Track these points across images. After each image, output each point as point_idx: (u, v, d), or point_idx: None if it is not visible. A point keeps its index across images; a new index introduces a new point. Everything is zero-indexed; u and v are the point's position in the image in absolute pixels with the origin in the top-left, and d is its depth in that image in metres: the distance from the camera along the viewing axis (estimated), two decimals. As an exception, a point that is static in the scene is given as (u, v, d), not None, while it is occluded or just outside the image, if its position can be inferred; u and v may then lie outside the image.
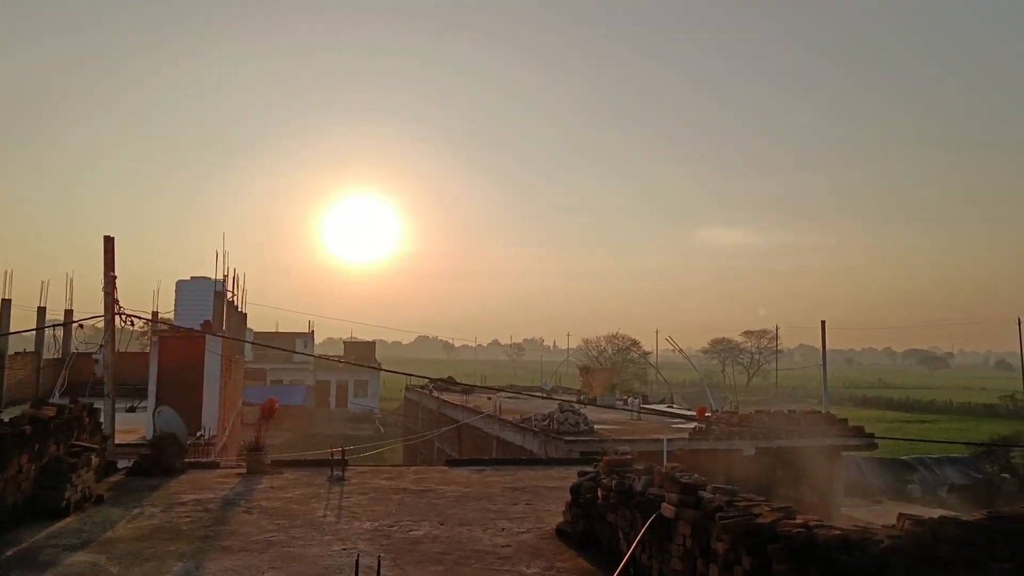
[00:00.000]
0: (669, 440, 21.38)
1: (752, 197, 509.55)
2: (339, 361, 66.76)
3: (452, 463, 17.99)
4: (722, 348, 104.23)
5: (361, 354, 79.72)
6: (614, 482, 10.08)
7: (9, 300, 31.07)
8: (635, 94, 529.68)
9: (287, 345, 67.82)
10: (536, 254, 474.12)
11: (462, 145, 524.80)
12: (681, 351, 44.90)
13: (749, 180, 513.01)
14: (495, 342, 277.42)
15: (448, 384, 44.11)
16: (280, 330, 76.05)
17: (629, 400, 34.64)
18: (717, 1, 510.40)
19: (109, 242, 16.74)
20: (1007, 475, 34.15)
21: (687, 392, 70.73)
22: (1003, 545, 6.59)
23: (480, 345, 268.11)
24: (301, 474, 15.12)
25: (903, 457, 33.77)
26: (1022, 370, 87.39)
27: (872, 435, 23.75)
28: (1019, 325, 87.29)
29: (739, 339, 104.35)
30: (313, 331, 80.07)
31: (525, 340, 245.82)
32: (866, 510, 26.21)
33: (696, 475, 9.57)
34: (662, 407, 35.81)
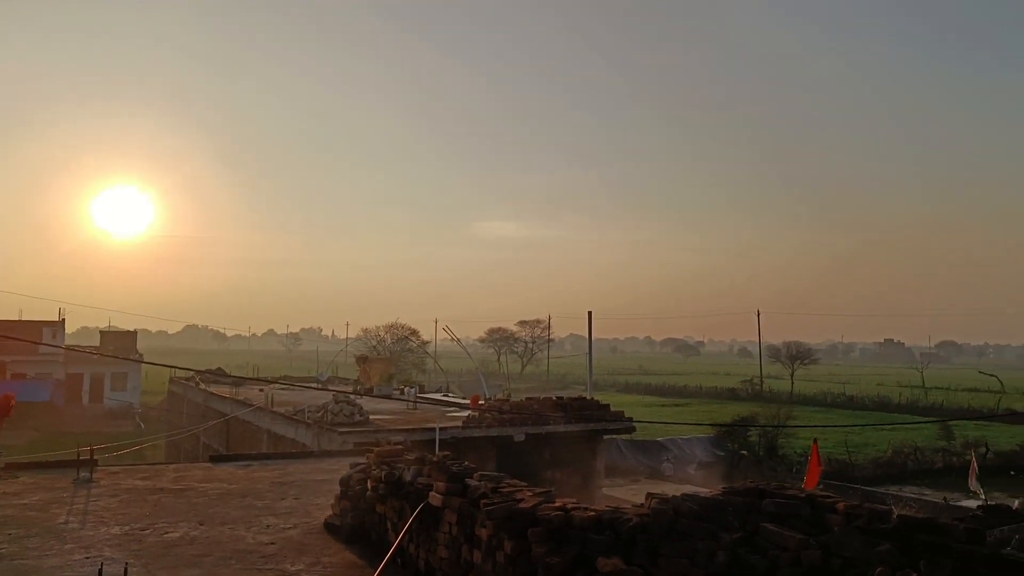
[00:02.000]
0: (443, 428, 21.66)
1: (527, 192, 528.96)
2: (93, 353, 61.56)
3: (216, 459, 17.17)
4: (498, 337, 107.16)
5: (121, 345, 73.99)
6: (384, 473, 10.05)
7: None
8: (420, 89, 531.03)
9: (32, 334, 61.55)
10: (314, 243, 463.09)
11: (234, 133, 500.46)
12: (458, 340, 45.65)
13: (524, 176, 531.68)
14: (271, 332, 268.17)
15: (217, 376, 41.98)
16: (24, 318, 68.88)
17: (406, 390, 34.72)
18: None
19: None
20: (745, 452, 37.91)
21: (464, 381, 72.12)
22: (733, 516, 7.30)
23: (255, 335, 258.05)
24: (42, 477, 13.77)
25: (658, 439, 36.52)
26: (760, 357, 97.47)
27: (631, 419, 25.43)
28: (758, 317, 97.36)
29: (514, 329, 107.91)
30: (64, 319, 73.20)
31: (303, 330, 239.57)
32: (625, 489, 28.04)
33: (467, 463, 9.77)
34: (438, 396, 36.23)
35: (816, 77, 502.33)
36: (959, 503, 26.76)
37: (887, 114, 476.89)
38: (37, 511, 10.96)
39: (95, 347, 71.52)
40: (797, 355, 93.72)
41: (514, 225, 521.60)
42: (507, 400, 25.82)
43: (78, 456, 14.26)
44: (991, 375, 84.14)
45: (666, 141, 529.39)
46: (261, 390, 36.79)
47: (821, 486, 19.72)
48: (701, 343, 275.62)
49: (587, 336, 37.81)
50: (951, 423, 44.30)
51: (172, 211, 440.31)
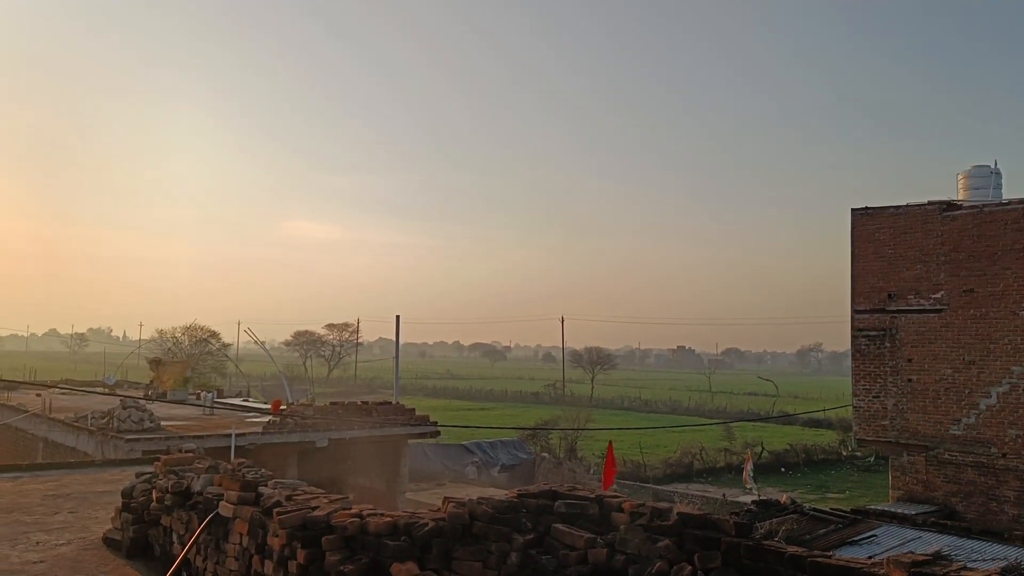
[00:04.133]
0: (240, 435, 20.85)
1: (337, 193, 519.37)
2: None
3: (-19, 471, 15.59)
4: (305, 340, 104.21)
5: None
6: (171, 482, 9.55)
7: None
8: (230, 78, 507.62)
9: None
10: (100, 236, 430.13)
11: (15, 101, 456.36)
12: (260, 343, 44.02)
13: (334, 176, 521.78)
14: (53, 331, 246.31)
15: (-15, 379, 37.95)
16: None
17: (202, 395, 33.07)
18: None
19: None
20: (546, 454, 39.15)
21: (267, 385, 69.66)
22: (526, 518, 7.54)
23: (33, 334, 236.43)
24: None
25: (464, 442, 36.93)
26: (563, 362, 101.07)
27: (436, 423, 25.60)
28: (562, 324, 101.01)
29: (322, 332, 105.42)
30: None
31: (90, 330, 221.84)
32: (430, 493, 28.13)
33: (264, 470, 9.47)
34: (238, 401, 34.80)
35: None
36: (737, 499, 29.02)
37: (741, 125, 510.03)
38: None
39: None
40: (597, 360, 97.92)
41: (323, 226, 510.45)
42: (311, 405, 25.22)
43: None
44: (768, 380, 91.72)
45: (484, 147, 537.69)
46: (38, 395, 33.76)
47: (616, 486, 20.76)
48: (508, 348, 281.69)
49: (396, 340, 37.64)
50: (733, 424, 47.91)
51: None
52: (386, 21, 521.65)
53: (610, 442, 19.11)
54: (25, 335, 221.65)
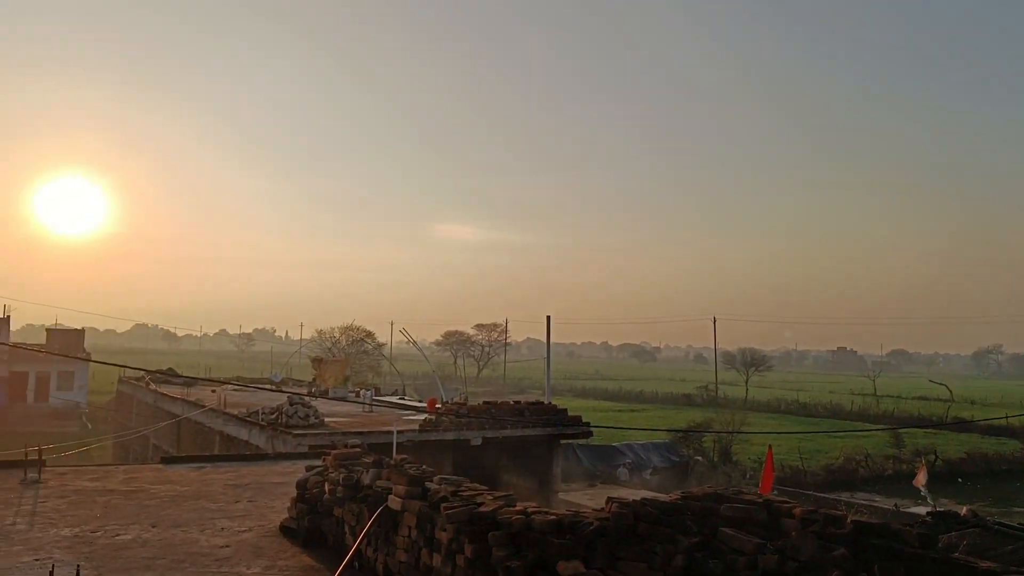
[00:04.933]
0: (399, 432, 21.54)
1: (486, 195, 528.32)
2: (38, 350, 59.97)
3: (168, 460, 16.86)
4: (454, 340, 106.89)
5: (67, 343, 72.20)
6: (342, 475, 9.98)
7: None
8: (375, 88, 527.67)
9: (-26, 332, 59.82)
10: (268, 242, 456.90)
11: (189, 122, 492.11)
12: (414, 343, 45.47)
13: (484, 179, 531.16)
14: (223, 332, 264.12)
15: (168, 376, 41.25)
16: (-36, 315, 66.85)
17: (361, 392, 34.47)
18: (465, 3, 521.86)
19: None
20: (700, 457, 38.29)
21: (420, 384, 71.83)
22: (691, 521, 7.38)
23: (206, 335, 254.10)
24: (-15, 478, 13.42)
25: (615, 444, 36.69)
26: (715, 363, 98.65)
27: (588, 423, 25.55)
28: (714, 324, 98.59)
29: (471, 332, 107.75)
30: (9, 316, 71.29)
31: (256, 330, 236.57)
32: (581, 494, 28.13)
33: (424, 466, 9.74)
34: (394, 399, 36.04)
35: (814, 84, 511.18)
36: (908, 509, 27.34)
37: (869, 122, 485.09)
38: (-18, 512, 10.67)
39: (40, 345, 69.77)
40: (751, 362, 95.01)
41: (473, 228, 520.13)
42: (464, 404, 25.74)
43: (25, 456, 13.92)
44: (940, 383, 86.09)
45: (633, 147, 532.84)
46: (213, 391, 36.22)
47: (775, 492, 20.02)
48: (657, 349, 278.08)
49: (544, 340, 37.91)
50: (901, 431, 45.18)
51: (123, 206, 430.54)
52: (526, 17, 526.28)
53: (769, 446, 18.49)
54: (199, 335, 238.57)
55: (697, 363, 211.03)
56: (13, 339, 71.16)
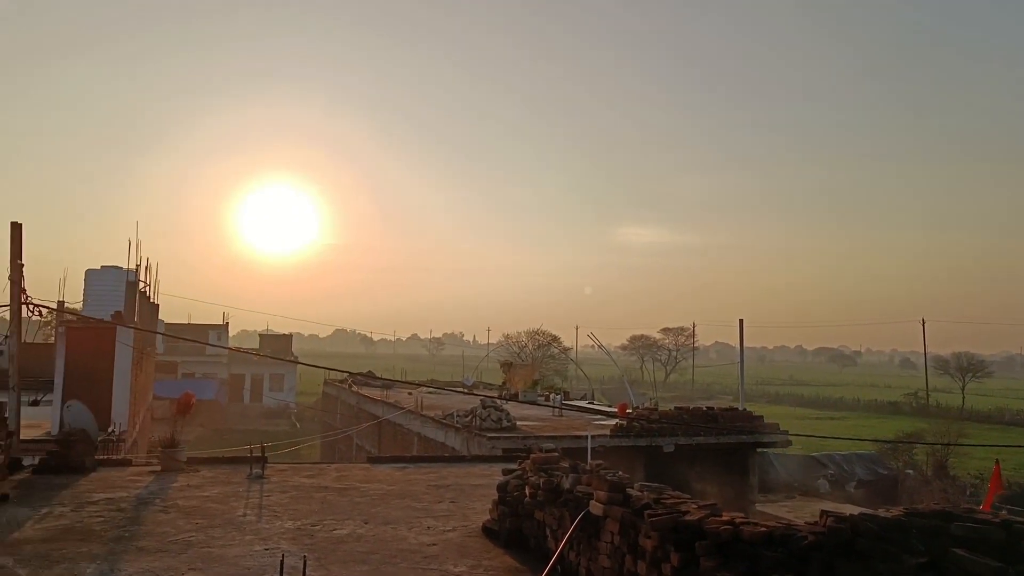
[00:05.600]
0: (592, 437, 21.59)
1: (670, 196, 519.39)
2: (254, 354, 65.29)
3: (374, 460, 17.78)
4: (641, 345, 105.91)
5: (277, 347, 78.22)
6: (542, 480, 10.09)
7: (-99, 287, 29.32)
8: (559, 92, 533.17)
9: (200, 337, 65.98)
10: (456, 249, 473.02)
11: (387, 133, 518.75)
12: (602, 347, 45.47)
13: (668, 179, 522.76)
14: (415, 336, 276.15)
15: (368, 379, 43.67)
16: (193, 322, 73.95)
17: (551, 396, 34.89)
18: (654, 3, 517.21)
19: (16, 229, 15.98)
20: (911, 471, 35.69)
21: (606, 388, 71.68)
22: (917, 540, 6.85)
23: (399, 339, 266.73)
24: (219, 471, 14.69)
25: (814, 454, 34.93)
26: (925, 369, 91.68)
27: (786, 432, 24.48)
28: (923, 326, 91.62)
29: (657, 336, 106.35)
30: (227, 323, 78.16)
31: (445, 335, 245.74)
32: (779, 506, 27.05)
33: (620, 472, 9.68)
34: (583, 403, 36.19)
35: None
36: None
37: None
38: (218, 503, 11.69)
39: (255, 349, 75.89)
40: (968, 367, 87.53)
41: (656, 230, 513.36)
42: (654, 409, 25.42)
43: (251, 453, 15.12)
44: None
45: (824, 142, 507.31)
46: (410, 393, 37.91)
47: (1004, 511, 18.28)
48: (858, 353, 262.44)
49: (734, 344, 36.93)
50: None
51: (326, 218, 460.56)
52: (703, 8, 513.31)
53: (996, 460, 16.87)
54: (392, 339, 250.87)
55: (903, 368, 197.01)
56: (231, 344, 77.93)
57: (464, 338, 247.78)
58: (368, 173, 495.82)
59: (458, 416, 25.61)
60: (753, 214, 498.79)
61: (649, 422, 23.14)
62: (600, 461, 11.67)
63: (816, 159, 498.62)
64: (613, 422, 24.69)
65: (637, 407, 27.57)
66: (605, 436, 22.75)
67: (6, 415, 13.44)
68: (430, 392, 37.30)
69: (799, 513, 25.49)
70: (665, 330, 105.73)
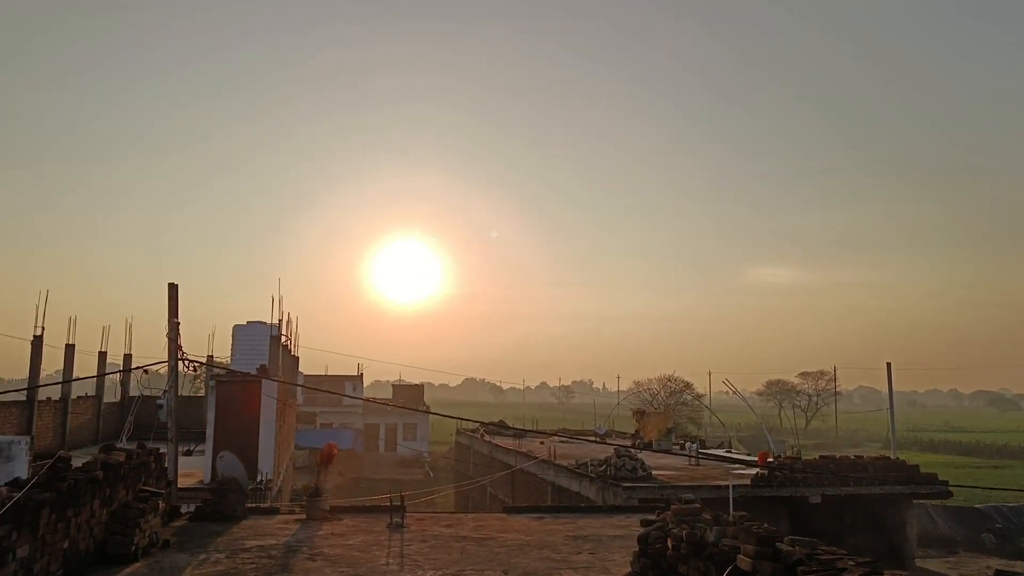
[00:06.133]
0: (733, 487, 20.84)
1: (802, 234, 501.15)
2: (387, 404, 66.88)
3: (510, 510, 17.74)
4: (778, 390, 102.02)
5: (410, 397, 79.83)
6: (684, 532, 9.77)
7: (73, 345, 31.88)
8: (677, 132, 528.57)
9: (336, 388, 68.24)
10: (581, 295, 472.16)
11: (505, 187, 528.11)
12: (738, 393, 44.06)
13: (799, 216, 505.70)
14: (543, 384, 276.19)
15: (499, 428, 43.86)
16: (330, 373, 76.51)
17: (686, 445, 33.98)
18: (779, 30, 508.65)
19: (173, 289, 17.07)
20: (1094, 526, 32.52)
21: (743, 436, 69.41)
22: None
23: (528, 387, 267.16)
24: (360, 520, 15.03)
25: (977, 505, 32.37)
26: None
27: (946, 482, 22.87)
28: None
29: (795, 380, 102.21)
30: (362, 374, 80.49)
31: (574, 382, 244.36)
32: (940, 561, 25.16)
33: (766, 524, 9.25)
34: (720, 452, 35.05)
35: None
36: None
37: None
38: (361, 552, 11.92)
39: (388, 399, 77.75)
40: None
41: (790, 270, 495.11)
42: (797, 458, 24.31)
43: (390, 502, 15.38)
44: None
45: (957, 171, 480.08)
46: (542, 442, 37.78)
47: None
48: (1021, 396, 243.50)
49: (879, 388, 35.21)
50: None
51: (450, 270, 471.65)
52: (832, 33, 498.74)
53: None
54: (521, 388, 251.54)
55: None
56: (365, 394, 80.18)
57: (593, 385, 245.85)
58: (487, 224, 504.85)
59: (592, 465, 25.30)
60: (894, 249, 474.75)
61: (792, 471, 22.13)
62: (743, 512, 11.23)
63: (955, 189, 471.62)
64: (753, 471, 23.76)
65: (778, 455, 26.43)
66: (746, 486, 21.90)
67: (166, 465, 14.25)
68: (562, 441, 37.08)
69: (964, 570, 23.62)
70: (804, 374, 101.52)
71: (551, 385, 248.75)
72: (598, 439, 39.41)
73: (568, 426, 69.49)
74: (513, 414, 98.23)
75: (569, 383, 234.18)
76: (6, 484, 7.69)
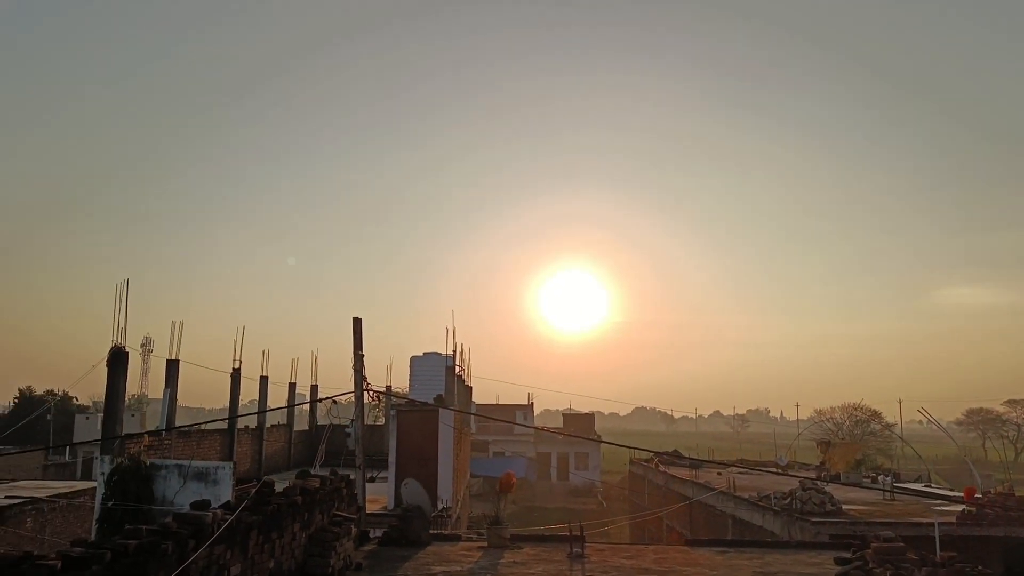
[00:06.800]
0: (932, 524, 19.26)
1: (1000, 251, 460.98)
2: (558, 433, 67.08)
3: (693, 543, 17.19)
4: (980, 419, 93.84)
5: (580, 426, 79.66)
6: (888, 572, 9.11)
7: (266, 377, 34.14)
8: (862, 150, 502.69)
9: (507, 417, 69.15)
10: (756, 322, 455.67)
11: (674, 212, 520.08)
12: (935, 422, 40.91)
13: (995, 232, 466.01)
14: (716, 413, 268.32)
15: (674, 458, 42.80)
16: (500, 402, 77.72)
17: (879, 478, 31.83)
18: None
19: (357, 323, 17.89)
20: None
21: (941, 468, 64.14)
22: None
23: (701, 416, 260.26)
24: (540, 549, 15.02)
25: None
26: None
27: None
28: None
29: (1001, 409, 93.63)
30: (532, 403, 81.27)
31: (749, 411, 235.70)
32: None
33: (980, 567, 8.46)
34: (918, 486, 32.57)
35: None
36: None
37: None
38: (543, 582, 11.88)
39: (559, 428, 77.95)
40: None
41: (989, 290, 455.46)
42: (1011, 494, 22.14)
43: (570, 532, 15.28)
44: None
45: None
46: (719, 473, 36.60)
47: None
48: None
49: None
50: None
51: (619, 297, 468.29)
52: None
53: None
54: (694, 417, 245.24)
55: None
56: (535, 423, 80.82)
57: (770, 414, 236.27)
58: (654, 254, 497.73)
59: (775, 498, 24.18)
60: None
61: (1005, 508, 20.18)
62: (952, 553, 10.35)
63: None
64: (959, 508, 21.87)
65: (987, 491, 24.21)
66: (951, 524, 20.17)
67: (355, 491, 14.86)
68: (740, 472, 35.75)
69: None
70: (1011, 402, 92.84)
71: (724, 414, 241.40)
72: (780, 470, 37.67)
73: (745, 456, 67.01)
74: (686, 443, 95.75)
75: (744, 412, 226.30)
76: (220, 507, 8.24)
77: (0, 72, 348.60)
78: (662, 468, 42.39)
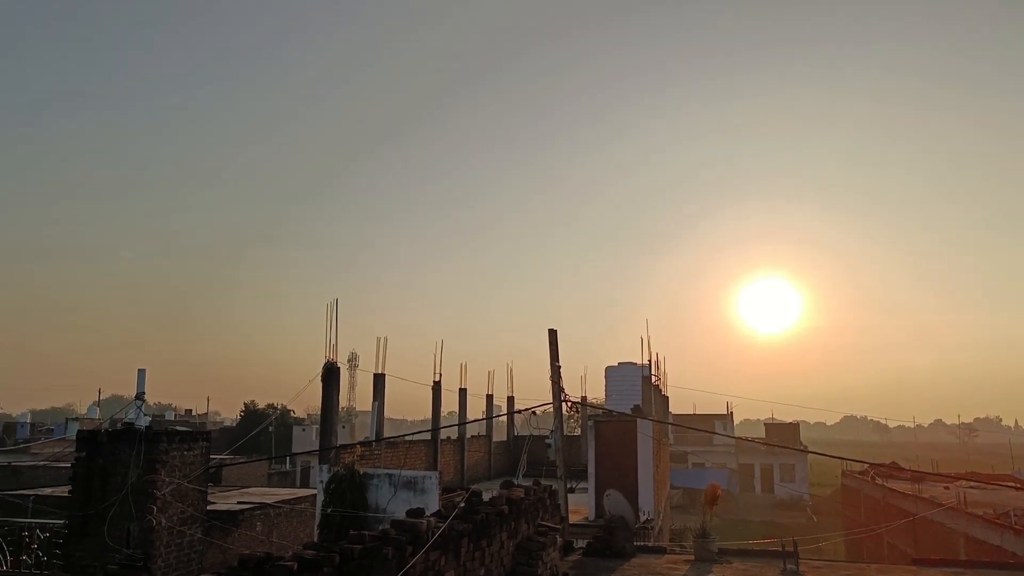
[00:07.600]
0: None
1: None
2: (760, 443, 64.46)
3: (920, 562, 15.81)
4: None
5: (784, 436, 76.14)
6: None
7: (465, 389, 35.16)
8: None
9: (705, 427, 67.31)
10: (979, 321, 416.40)
11: (871, 214, 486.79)
12: None
13: None
14: (938, 422, 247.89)
15: (892, 470, 39.81)
16: (698, 412, 75.73)
17: None
18: None
19: (553, 334, 17.99)
20: None
21: None
22: None
23: (920, 425, 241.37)
24: (749, 564, 14.37)
25: None
26: None
27: None
28: None
29: None
30: (731, 412, 78.72)
31: (976, 419, 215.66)
32: None
33: None
34: None
35: None
36: None
37: None
38: (758, 599, 11.31)
39: (761, 438, 74.83)
40: None
41: None
42: None
43: (781, 547, 14.52)
44: None
45: None
46: (947, 487, 33.69)
47: None
48: None
49: None
50: None
51: (817, 304, 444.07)
52: None
53: None
54: (911, 426, 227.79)
55: None
56: (736, 433, 78.10)
57: (1002, 423, 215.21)
58: (853, 261, 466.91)
59: (1016, 515, 21.87)
60: None
61: None
62: None
63: None
64: None
65: None
66: None
67: (558, 502, 14.86)
68: (971, 486, 32.69)
69: None
70: None
71: (947, 423, 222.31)
72: (1019, 485, 34.11)
73: (976, 469, 61.26)
74: (904, 455, 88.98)
75: (971, 420, 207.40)
76: (432, 515, 8.46)
77: (227, 106, 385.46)
78: (879, 481, 39.58)
